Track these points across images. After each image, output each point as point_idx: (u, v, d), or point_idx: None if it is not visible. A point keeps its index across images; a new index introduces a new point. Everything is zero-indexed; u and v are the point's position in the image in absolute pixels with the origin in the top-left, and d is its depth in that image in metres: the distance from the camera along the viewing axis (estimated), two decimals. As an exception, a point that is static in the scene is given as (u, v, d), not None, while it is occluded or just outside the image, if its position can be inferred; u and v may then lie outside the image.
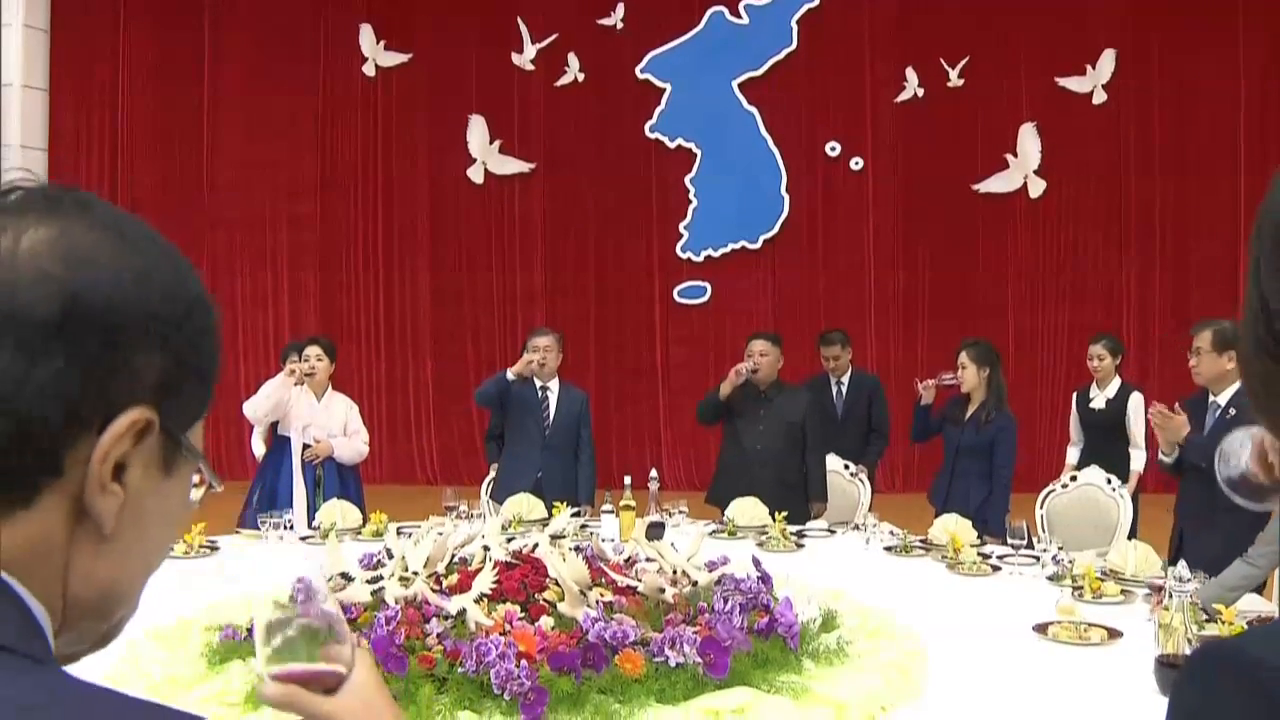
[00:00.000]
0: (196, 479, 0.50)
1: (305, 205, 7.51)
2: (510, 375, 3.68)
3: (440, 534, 2.26)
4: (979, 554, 2.76)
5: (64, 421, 0.43)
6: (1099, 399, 4.03)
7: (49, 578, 0.45)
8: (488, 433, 4.09)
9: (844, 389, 4.40)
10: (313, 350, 3.77)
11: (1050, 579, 2.51)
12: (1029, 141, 7.04)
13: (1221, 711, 0.43)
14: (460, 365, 7.52)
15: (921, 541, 2.95)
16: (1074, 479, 3.52)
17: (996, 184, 7.10)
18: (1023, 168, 7.06)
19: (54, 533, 0.45)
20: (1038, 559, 2.67)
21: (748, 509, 3.30)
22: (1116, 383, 4.02)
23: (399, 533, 2.76)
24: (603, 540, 2.51)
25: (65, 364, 0.43)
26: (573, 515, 2.88)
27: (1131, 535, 3.26)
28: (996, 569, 2.66)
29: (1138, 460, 3.90)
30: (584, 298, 7.56)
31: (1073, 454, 4.09)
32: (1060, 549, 2.65)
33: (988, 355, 3.55)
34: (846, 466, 3.90)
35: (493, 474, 3.92)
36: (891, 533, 3.06)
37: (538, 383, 3.76)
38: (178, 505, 0.50)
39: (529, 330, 4.00)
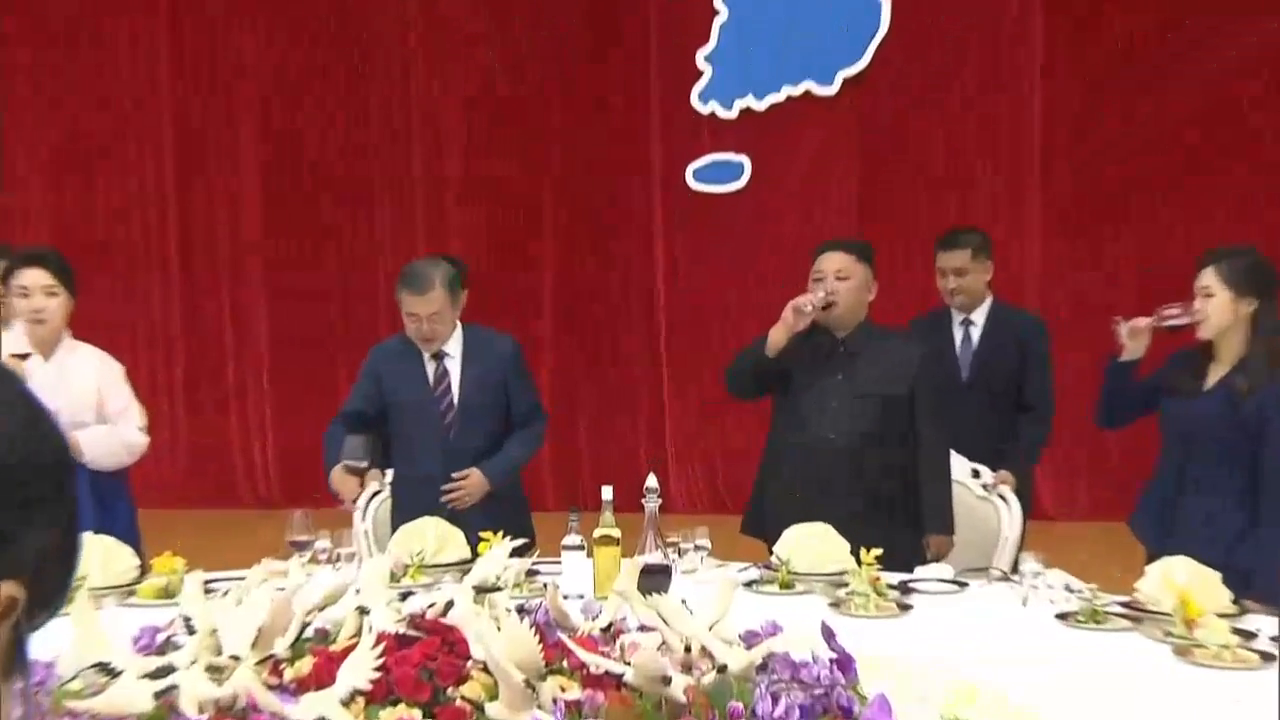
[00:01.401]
0: None
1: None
2: (340, 471, 3.69)
3: (281, 589, 2.27)
4: (1234, 630, 2.67)
5: None
6: None
7: None
8: (341, 415, 4.08)
9: (975, 333, 4.41)
10: (35, 277, 3.72)
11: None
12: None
13: None
14: (314, 314, 7.63)
15: (1124, 604, 2.95)
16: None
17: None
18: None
19: None
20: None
21: (813, 543, 3.33)
22: None
23: (207, 589, 2.74)
24: (565, 595, 2.55)
25: None
26: (514, 552, 2.88)
27: None
28: (1270, 658, 2.58)
29: None
30: (535, 183, 7.53)
31: None
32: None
33: (1254, 276, 3.42)
34: (976, 473, 3.95)
35: (374, 489, 4.05)
36: (1069, 588, 3.05)
37: (426, 354, 3.94)
38: None
39: (403, 272, 3.94)
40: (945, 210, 6.96)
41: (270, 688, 1.94)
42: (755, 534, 3.84)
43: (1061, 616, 2.91)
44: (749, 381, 3.88)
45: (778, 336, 3.72)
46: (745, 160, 7.51)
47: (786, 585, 3.20)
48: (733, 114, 7.48)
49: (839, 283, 3.71)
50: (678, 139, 7.59)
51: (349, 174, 7.89)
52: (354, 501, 3.83)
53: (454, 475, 3.88)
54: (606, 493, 3.09)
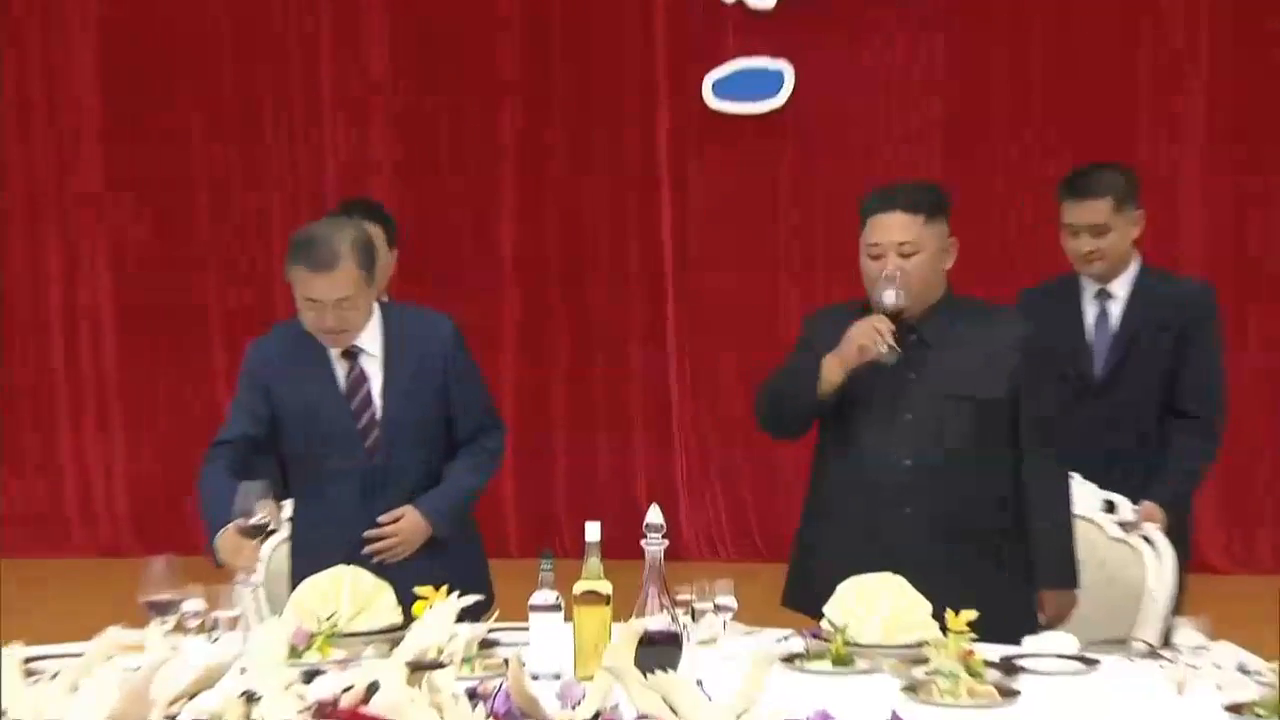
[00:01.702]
0: None
1: None
2: (233, 535, 3.61)
3: (135, 669, 2.29)
4: None
5: None
6: None
7: None
8: (220, 444, 4.09)
9: (1115, 310, 4.46)
10: None
11: None
12: None
13: None
14: (179, 283, 7.52)
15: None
16: None
17: None
18: None
19: None
20: None
21: (880, 601, 3.33)
22: None
23: (28, 670, 2.77)
24: (534, 675, 2.66)
25: None
26: (463, 614, 2.90)
27: None
28: None
29: None
30: (490, 97, 7.52)
31: None
32: None
33: None
34: (1110, 506, 3.96)
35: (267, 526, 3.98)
36: (1243, 668, 3.06)
37: (333, 351, 3.95)
38: None
39: (296, 241, 3.92)
40: (1070, 139, 6.95)
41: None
42: (803, 608, 3.71)
43: (1234, 709, 2.87)
44: (781, 414, 3.93)
45: (834, 374, 3.69)
46: (785, 67, 7.52)
47: (843, 661, 3.18)
48: (768, 3, 7.48)
49: (904, 260, 3.66)
50: (692, 38, 7.60)
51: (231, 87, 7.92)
52: (251, 574, 3.64)
53: (380, 519, 3.87)
54: (592, 531, 3.08)
